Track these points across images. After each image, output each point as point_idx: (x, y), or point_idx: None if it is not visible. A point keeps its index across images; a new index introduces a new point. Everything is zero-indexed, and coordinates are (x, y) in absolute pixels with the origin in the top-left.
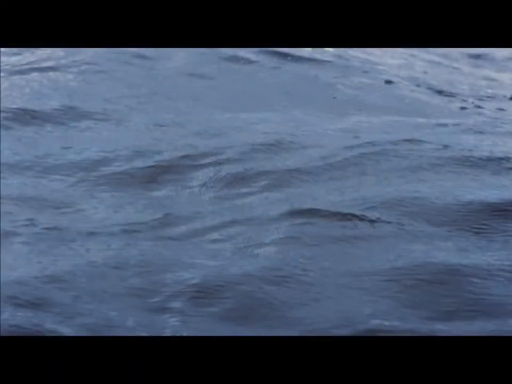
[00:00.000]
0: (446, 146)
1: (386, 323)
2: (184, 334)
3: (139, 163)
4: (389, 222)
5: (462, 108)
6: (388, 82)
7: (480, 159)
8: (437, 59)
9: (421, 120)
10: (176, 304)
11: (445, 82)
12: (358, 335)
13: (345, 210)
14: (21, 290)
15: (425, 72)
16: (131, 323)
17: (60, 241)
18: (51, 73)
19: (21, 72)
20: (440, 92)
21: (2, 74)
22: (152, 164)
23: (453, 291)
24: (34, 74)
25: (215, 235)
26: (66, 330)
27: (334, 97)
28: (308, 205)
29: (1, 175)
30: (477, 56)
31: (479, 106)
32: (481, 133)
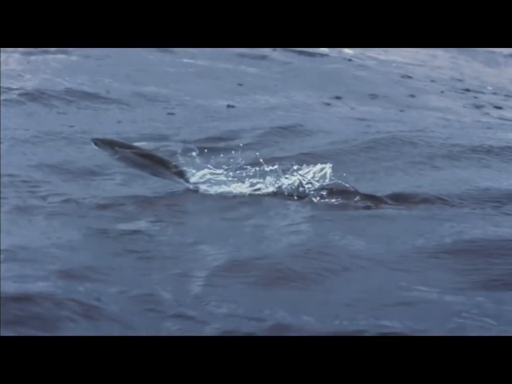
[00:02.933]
0: (456, 137)
1: (405, 293)
2: (204, 304)
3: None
4: (406, 203)
5: (478, 106)
6: (405, 77)
7: (491, 146)
8: (466, 58)
9: (431, 113)
10: (199, 274)
11: (468, 80)
12: (358, 335)
13: (364, 192)
14: (33, 261)
15: (450, 69)
16: (150, 291)
17: (70, 213)
18: (61, 56)
19: (32, 53)
20: (458, 89)
21: (14, 55)
22: (161, 148)
23: (478, 264)
24: (45, 56)
25: (230, 214)
26: (81, 298)
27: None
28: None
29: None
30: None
31: (496, 107)
32: (491, 128)
